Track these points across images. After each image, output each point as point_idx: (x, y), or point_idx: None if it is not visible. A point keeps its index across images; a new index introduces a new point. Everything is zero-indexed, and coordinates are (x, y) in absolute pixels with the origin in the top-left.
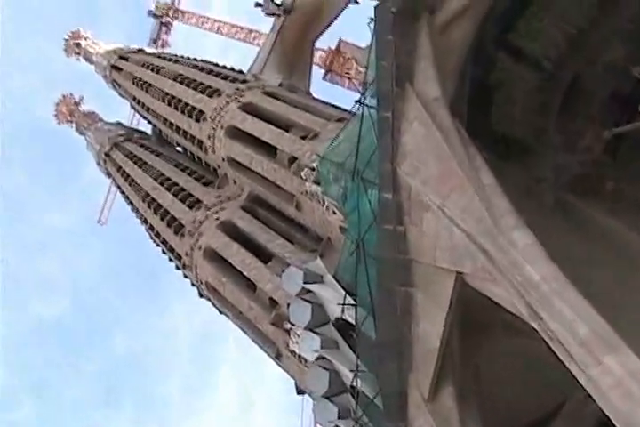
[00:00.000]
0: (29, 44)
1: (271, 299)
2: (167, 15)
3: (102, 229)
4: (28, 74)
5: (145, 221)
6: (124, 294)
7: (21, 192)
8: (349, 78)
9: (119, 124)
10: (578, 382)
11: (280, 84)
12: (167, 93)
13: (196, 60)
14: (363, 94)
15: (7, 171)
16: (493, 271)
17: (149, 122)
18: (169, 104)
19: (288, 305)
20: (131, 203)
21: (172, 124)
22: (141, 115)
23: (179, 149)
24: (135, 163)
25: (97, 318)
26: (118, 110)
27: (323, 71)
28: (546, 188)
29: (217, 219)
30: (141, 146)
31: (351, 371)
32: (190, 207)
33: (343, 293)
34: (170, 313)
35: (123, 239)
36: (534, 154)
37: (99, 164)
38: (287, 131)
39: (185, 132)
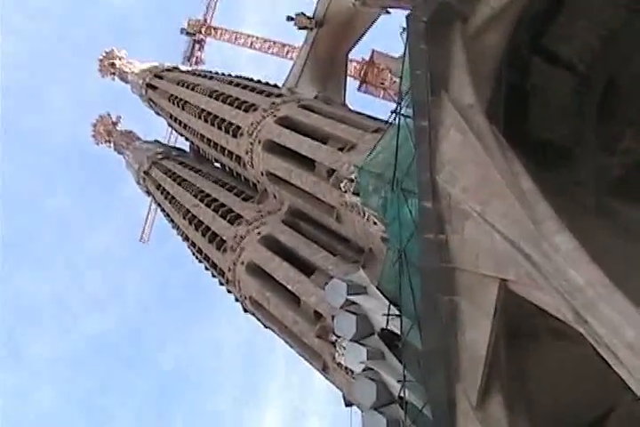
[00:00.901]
0: (65, 63)
1: (316, 312)
2: (200, 32)
3: (146, 246)
4: (65, 93)
5: (186, 238)
6: (170, 309)
7: (65, 212)
8: (384, 89)
9: (157, 142)
10: (627, 385)
11: (315, 97)
12: (203, 110)
13: (230, 75)
14: (398, 104)
15: (51, 192)
16: (537, 277)
17: (187, 139)
18: (205, 121)
19: (333, 317)
20: (171, 220)
21: (209, 140)
22: (178, 132)
23: (217, 165)
24: (174, 180)
25: (145, 335)
26: (155, 128)
27: (357, 82)
28: (586, 191)
29: (258, 233)
30: (180, 163)
31: (398, 381)
32: (231, 223)
33: (387, 303)
34: (217, 327)
35: (167, 255)
36: (573, 157)
37: (138, 182)
38: (324, 143)
39: (223, 148)
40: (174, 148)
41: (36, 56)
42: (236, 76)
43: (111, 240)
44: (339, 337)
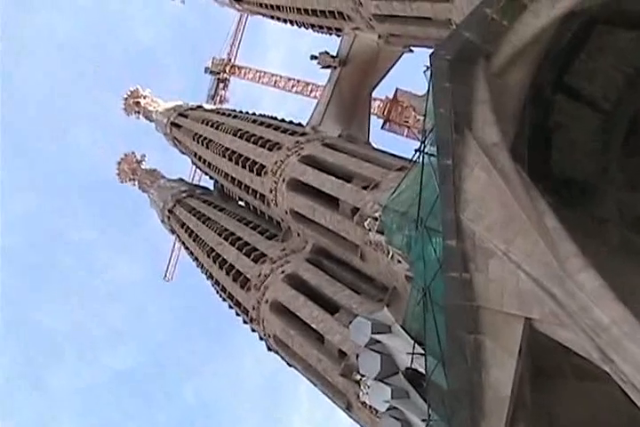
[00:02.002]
0: (89, 97)
1: (340, 350)
2: (224, 71)
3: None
4: (90, 129)
5: (210, 277)
6: (193, 344)
7: (90, 246)
8: (408, 127)
9: (181, 180)
10: None
11: (339, 136)
12: (227, 149)
13: (254, 114)
14: (422, 142)
15: (75, 224)
16: (562, 316)
17: (211, 177)
18: (230, 159)
19: (357, 356)
20: (196, 259)
21: (233, 178)
22: (203, 171)
23: (241, 203)
24: (198, 218)
25: (167, 369)
26: (179, 167)
27: (381, 121)
28: (610, 227)
29: (282, 272)
30: (204, 201)
31: (423, 420)
32: (255, 261)
33: (412, 342)
34: (239, 363)
35: (190, 291)
36: (597, 194)
37: (162, 221)
38: (348, 181)
39: (247, 187)
40: (198, 186)
41: (61, 89)
42: (260, 115)
43: (134, 274)
44: (363, 376)
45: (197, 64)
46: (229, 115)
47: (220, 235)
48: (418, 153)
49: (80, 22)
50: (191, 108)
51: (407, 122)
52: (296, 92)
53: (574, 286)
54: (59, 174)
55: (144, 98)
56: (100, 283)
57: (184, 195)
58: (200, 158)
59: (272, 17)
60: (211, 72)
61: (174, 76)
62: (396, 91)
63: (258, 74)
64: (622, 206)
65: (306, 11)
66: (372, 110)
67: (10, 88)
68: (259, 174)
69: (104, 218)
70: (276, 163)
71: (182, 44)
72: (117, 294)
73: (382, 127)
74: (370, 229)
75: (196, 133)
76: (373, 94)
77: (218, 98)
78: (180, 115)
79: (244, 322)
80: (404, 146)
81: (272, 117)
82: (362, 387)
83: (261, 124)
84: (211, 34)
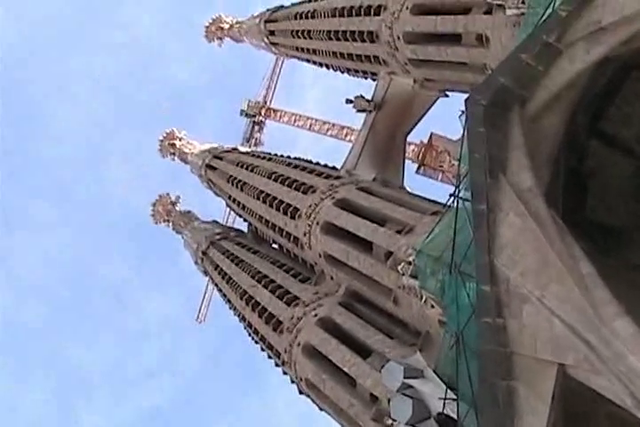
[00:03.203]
0: (129, 138)
1: (372, 395)
2: (259, 114)
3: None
4: (127, 167)
5: (243, 319)
6: (225, 384)
7: (125, 284)
8: (442, 171)
9: (215, 222)
10: None
11: (374, 179)
12: (262, 191)
13: (289, 157)
14: (457, 187)
15: (110, 262)
16: (596, 363)
17: (245, 220)
18: (264, 202)
19: (389, 401)
20: (228, 300)
21: (267, 221)
22: (237, 213)
23: (275, 246)
24: (232, 261)
25: (199, 408)
26: (214, 209)
27: (415, 165)
28: None
29: (315, 315)
30: (238, 244)
31: None
32: (288, 304)
33: (444, 387)
34: (272, 404)
35: (224, 331)
36: (632, 240)
37: (196, 262)
38: (382, 225)
39: (281, 230)
40: (232, 228)
41: (100, 127)
42: (295, 158)
43: (168, 312)
44: (395, 421)
45: (233, 106)
46: (264, 157)
47: (253, 277)
48: (452, 198)
49: (119, 60)
50: (226, 151)
51: (442, 166)
52: (331, 136)
53: (609, 333)
54: (95, 211)
55: (179, 140)
56: (134, 321)
57: (218, 237)
58: (234, 201)
59: (308, 60)
60: (246, 115)
61: (210, 118)
62: (431, 135)
63: (293, 117)
64: None
65: (342, 55)
66: (406, 154)
67: (50, 125)
68: (293, 217)
69: (139, 256)
70: (310, 206)
71: (219, 86)
72: (151, 332)
73: (417, 171)
74: (403, 274)
75: (230, 176)
76: (408, 138)
77: (253, 140)
78: (215, 157)
79: (276, 365)
80: (439, 190)
81: (307, 160)
82: None
83: (296, 167)
84: (247, 76)
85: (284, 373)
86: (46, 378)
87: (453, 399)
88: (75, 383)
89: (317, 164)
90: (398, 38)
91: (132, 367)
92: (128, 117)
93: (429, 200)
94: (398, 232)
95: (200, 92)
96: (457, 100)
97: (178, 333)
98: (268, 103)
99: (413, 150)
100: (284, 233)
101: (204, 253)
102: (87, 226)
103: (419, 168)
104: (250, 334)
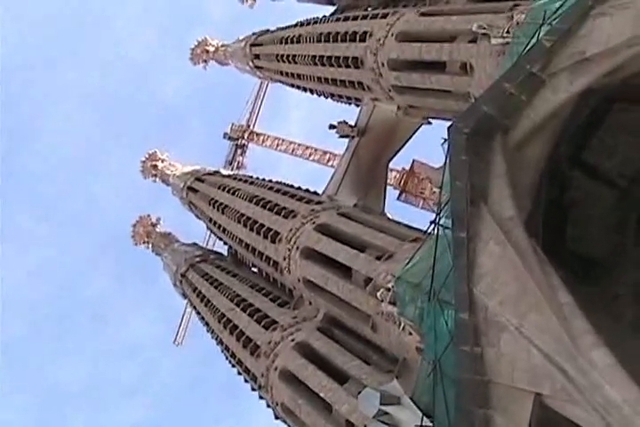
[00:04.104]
0: (113, 155)
1: (348, 421)
2: (242, 137)
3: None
4: (112, 184)
5: (220, 342)
6: (203, 406)
7: (105, 299)
8: (424, 198)
9: (195, 245)
10: None
11: (355, 205)
12: (243, 215)
13: (271, 181)
14: (438, 214)
15: (91, 279)
16: (573, 392)
17: (225, 243)
18: (245, 225)
19: None
20: (206, 323)
21: (247, 245)
22: (217, 236)
23: (254, 269)
24: (211, 284)
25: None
26: (194, 231)
27: (397, 191)
28: (624, 304)
29: (293, 340)
30: (217, 267)
31: None
32: (266, 328)
33: (420, 414)
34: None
35: (202, 353)
36: (611, 270)
37: (175, 285)
38: (362, 251)
39: (260, 253)
40: (212, 251)
41: (85, 142)
42: (277, 182)
43: (147, 332)
44: None
45: (218, 128)
46: (246, 181)
47: (231, 300)
48: (433, 225)
49: (108, 77)
50: (208, 173)
51: (423, 193)
52: (313, 160)
53: (586, 363)
54: (79, 228)
55: (162, 161)
56: (114, 339)
57: (197, 259)
58: (215, 223)
59: (292, 85)
60: (229, 138)
61: (194, 139)
62: (413, 162)
63: (276, 141)
64: (637, 284)
65: (326, 80)
66: (388, 181)
67: (37, 140)
68: (273, 241)
69: (121, 275)
70: (290, 230)
71: (205, 107)
72: (131, 351)
73: (398, 198)
74: (382, 300)
75: (212, 199)
76: (390, 165)
77: (235, 164)
78: (197, 179)
79: (253, 389)
80: (420, 217)
81: (288, 185)
82: None
83: (277, 191)
84: (232, 99)
85: (261, 397)
86: (25, 395)
87: None
88: (53, 401)
89: (299, 188)
90: (383, 65)
91: (111, 386)
92: (114, 135)
93: (410, 227)
94: (378, 258)
95: (186, 113)
96: (440, 128)
97: (158, 352)
98: (251, 127)
99: (395, 177)
100: (264, 257)
101: (182, 275)
102: (71, 243)
103: (400, 195)
104: (227, 358)
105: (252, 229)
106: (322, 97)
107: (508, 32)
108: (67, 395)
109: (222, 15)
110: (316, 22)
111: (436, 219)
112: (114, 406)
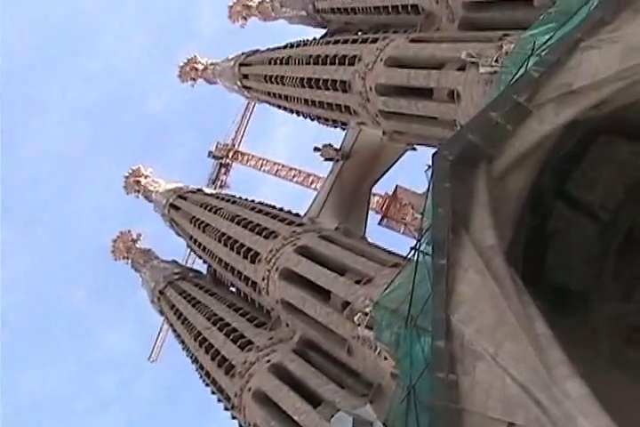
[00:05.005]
0: (97, 168)
1: None
2: (227, 156)
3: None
4: (94, 197)
5: (195, 361)
6: (177, 419)
7: (83, 312)
8: (405, 224)
9: (174, 262)
10: None
11: (336, 228)
12: (224, 234)
13: (253, 201)
14: (418, 241)
15: (69, 290)
16: (547, 423)
17: (205, 261)
18: (225, 244)
19: None
20: (182, 341)
21: (227, 264)
22: (197, 254)
23: (233, 289)
24: (189, 302)
25: None
26: (174, 248)
27: (379, 216)
28: (601, 337)
29: (268, 361)
30: (196, 285)
31: None
32: (242, 348)
33: None
34: None
35: (179, 369)
36: (590, 302)
37: (152, 301)
38: (341, 275)
39: (239, 273)
40: (191, 269)
41: (69, 153)
42: (259, 203)
43: (123, 346)
44: None
45: (202, 146)
46: (228, 200)
47: (208, 319)
48: (413, 251)
49: (95, 89)
50: (191, 191)
51: (405, 219)
52: (296, 182)
53: (560, 394)
54: (60, 239)
55: (145, 177)
56: (90, 352)
57: (176, 277)
58: (195, 242)
59: (279, 106)
60: (214, 156)
61: (178, 156)
62: (396, 188)
63: (260, 161)
64: (614, 317)
65: (313, 102)
66: (370, 205)
67: (21, 149)
68: (253, 262)
69: (98, 288)
70: (270, 251)
71: (191, 124)
72: (107, 365)
73: (380, 223)
74: (359, 324)
75: (193, 217)
76: (373, 190)
77: (218, 182)
78: (180, 197)
79: (226, 409)
80: (400, 243)
81: (271, 206)
82: None
83: (259, 211)
84: (219, 117)
85: (233, 417)
86: None
87: None
88: (26, 412)
89: (281, 209)
90: (370, 89)
91: (86, 399)
92: (99, 148)
93: (390, 252)
94: (357, 282)
95: (172, 129)
96: (424, 154)
97: (134, 367)
98: (236, 146)
99: (378, 201)
100: (243, 277)
101: (161, 292)
102: (50, 254)
103: (382, 219)
104: (201, 377)
105: (232, 249)
106: (308, 119)
107: (496, 61)
108: (40, 406)
109: (213, 32)
110: (305, 44)
111: (416, 245)
112: (87, 418)
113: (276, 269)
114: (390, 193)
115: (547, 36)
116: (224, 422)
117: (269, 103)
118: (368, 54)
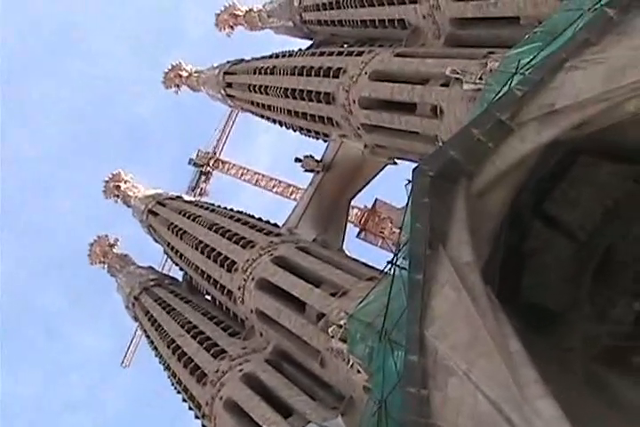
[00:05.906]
0: (77, 171)
1: None
2: (207, 164)
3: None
4: (74, 200)
5: (168, 368)
6: (146, 425)
7: (56, 314)
8: (383, 238)
9: (151, 268)
10: None
11: (314, 240)
12: (201, 242)
13: (232, 210)
14: (395, 255)
15: (45, 290)
16: None
17: (181, 269)
18: (202, 252)
19: None
20: (155, 348)
21: (203, 272)
22: (174, 261)
23: (208, 297)
24: (163, 308)
25: None
26: (151, 255)
27: (357, 229)
28: (574, 357)
29: (240, 370)
30: (171, 292)
31: None
32: (215, 357)
33: None
34: None
35: (151, 374)
36: (564, 323)
37: (127, 307)
38: (317, 286)
39: (215, 282)
40: (167, 276)
41: (51, 155)
42: (238, 212)
43: (97, 348)
44: None
45: (183, 153)
46: (207, 208)
47: (182, 327)
48: (390, 265)
49: (80, 91)
50: (170, 198)
51: (383, 233)
52: (276, 193)
53: (531, 413)
54: (36, 241)
55: (125, 182)
56: (62, 354)
57: (152, 283)
58: (173, 248)
59: (262, 116)
60: (194, 164)
61: (159, 162)
62: (376, 201)
63: (241, 171)
64: (589, 337)
65: (296, 113)
66: (349, 218)
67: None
68: (229, 271)
69: (73, 291)
70: (247, 260)
71: (171, 131)
72: (78, 367)
73: (357, 236)
74: (333, 337)
75: (171, 223)
76: (352, 202)
77: (198, 190)
78: (159, 203)
79: (196, 417)
80: (378, 256)
81: (249, 215)
82: None
83: (238, 220)
84: (201, 124)
85: (203, 426)
86: None
87: None
88: None
89: (260, 219)
90: (354, 102)
91: (55, 400)
92: (79, 151)
93: (367, 265)
94: (332, 295)
95: (153, 135)
96: (405, 169)
97: (106, 370)
98: (217, 154)
99: (356, 214)
100: (219, 285)
101: (136, 298)
102: (25, 255)
103: (360, 232)
104: (173, 384)
105: (208, 257)
106: (290, 130)
107: (480, 78)
108: (9, 407)
109: (199, 38)
110: (291, 55)
111: (393, 259)
112: (56, 419)
113: (252, 278)
114: (369, 206)
115: (532, 56)
116: None
117: (252, 112)
118: (353, 67)
